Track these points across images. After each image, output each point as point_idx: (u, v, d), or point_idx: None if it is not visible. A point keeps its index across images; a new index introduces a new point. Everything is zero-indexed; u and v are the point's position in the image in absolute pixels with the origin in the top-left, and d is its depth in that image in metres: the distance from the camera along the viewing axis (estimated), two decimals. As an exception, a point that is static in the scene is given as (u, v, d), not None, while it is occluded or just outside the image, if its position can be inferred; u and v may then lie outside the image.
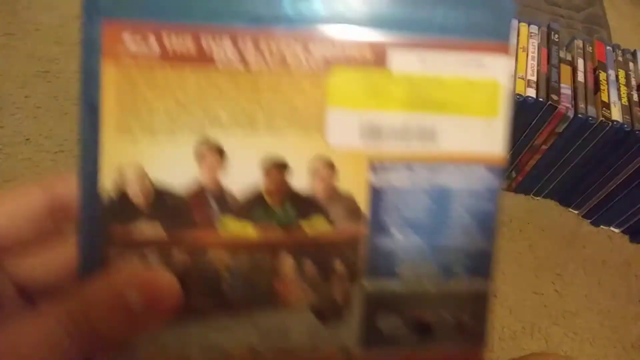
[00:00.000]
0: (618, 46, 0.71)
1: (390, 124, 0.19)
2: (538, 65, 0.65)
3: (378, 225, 0.19)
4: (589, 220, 0.73)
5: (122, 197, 0.18)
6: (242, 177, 0.18)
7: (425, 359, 0.20)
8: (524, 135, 0.65)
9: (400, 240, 0.19)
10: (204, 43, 0.17)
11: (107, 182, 0.18)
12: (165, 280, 0.17)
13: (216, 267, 0.19)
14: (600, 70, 0.67)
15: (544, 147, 0.66)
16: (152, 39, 0.17)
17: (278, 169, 0.18)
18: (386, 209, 0.19)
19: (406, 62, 0.18)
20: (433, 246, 0.20)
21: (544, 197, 0.74)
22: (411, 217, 0.19)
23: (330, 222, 0.19)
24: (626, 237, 0.73)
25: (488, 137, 0.19)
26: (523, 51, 0.66)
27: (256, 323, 0.19)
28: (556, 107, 0.61)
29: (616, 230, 0.73)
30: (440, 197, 0.19)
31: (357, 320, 0.19)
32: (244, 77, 0.18)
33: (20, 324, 0.16)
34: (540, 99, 0.61)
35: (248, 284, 0.19)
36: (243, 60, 0.18)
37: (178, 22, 0.17)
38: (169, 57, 0.17)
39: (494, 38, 0.19)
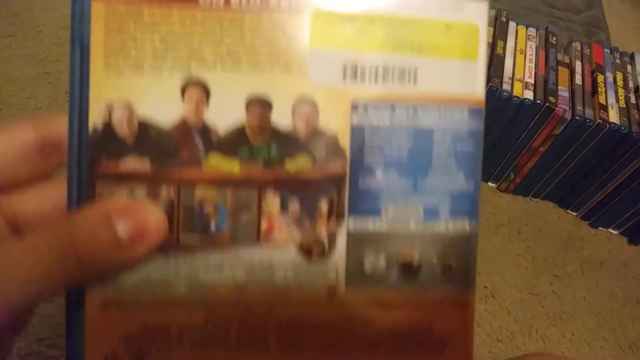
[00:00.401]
0: (616, 49, 0.72)
1: (371, 64, 0.19)
2: (536, 67, 0.66)
3: (360, 165, 0.20)
4: (588, 222, 0.74)
5: (110, 132, 0.18)
6: (226, 113, 0.19)
7: (410, 299, 0.20)
8: (521, 137, 0.66)
9: (384, 180, 0.20)
10: None
11: (96, 118, 0.18)
12: (153, 212, 0.18)
13: (202, 204, 0.19)
14: (597, 73, 0.67)
15: (541, 149, 0.67)
16: None
17: (261, 106, 0.19)
18: (368, 149, 0.20)
19: (386, 4, 0.19)
20: (417, 187, 0.20)
21: (542, 198, 0.75)
22: (393, 157, 0.20)
23: (314, 160, 0.19)
24: (625, 239, 0.73)
25: (468, 79, 0.20)
26: (521, 53, 0.67)
27: (242, 259, 0.19)
28: (554, 109, 0.62)
29: (615, 232, 0.74)
30: (422, 138, 0.20)
31: (342, 259, 0.20)
32: (227, 17, 0.18)
33: (9, 247, 0.16)
34: (538, 101, 0.62)
35: (234, 220, 0.19)
36: (226, 0, 0.18)
37: None
38: None
39: None
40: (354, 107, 0.19)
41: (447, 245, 0.20)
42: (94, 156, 0.18)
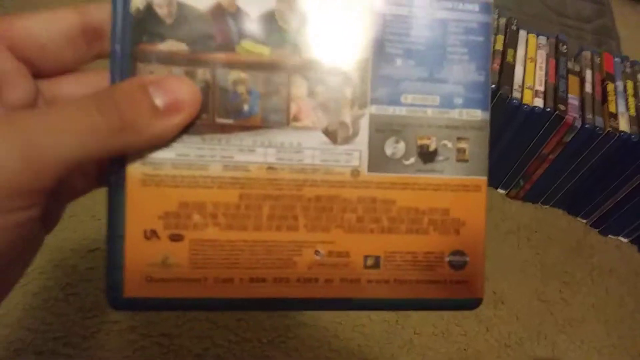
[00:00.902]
0: (626, 58, 0.73)
1: None
2: (546, 75, 0.67)
3: (382, 53, 0.21)
4: (597, 230, 0.74)
5: (151, 12, 0.20)
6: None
7: (428, 182, 0.22)
8: (531, 144, 0.67)
9: (403, 68, 0.22)
10: None
11: (137, 1, 0.20)
12: (187, 85, 0.20)
13: (236, 85, 0.21)
14: (608, 81, 0.68)
15: (551, 156, 0.67)
16: None
17: None
18: (389, 38, 0.21)
19: None
20: (433, 76, 0.22)
21: (551, 205, 0.75)
22: (413, 48, 0.22)
23: (339, 49, 0.21)
24: (635, 247, 0.74)
25: None
26: (531, 62, 0.68)
27: (273, 141, 0.21)
28: (563, 117, 0.63)
29: (624, 240, 0.74)
30: (438, 29, 0.22)
31: (364, 143, 0.22)
32: None
33: (59, 106, 0.18)
34: (548, 109, 0.63)
35: (265, 103, 0.21)
36: None
37: None
38: None
39: None
40: None
41: (460, 131, 0.22)
42: (136, 36, 0.20)
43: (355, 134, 0.21)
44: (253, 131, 0.21)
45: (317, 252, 0.22)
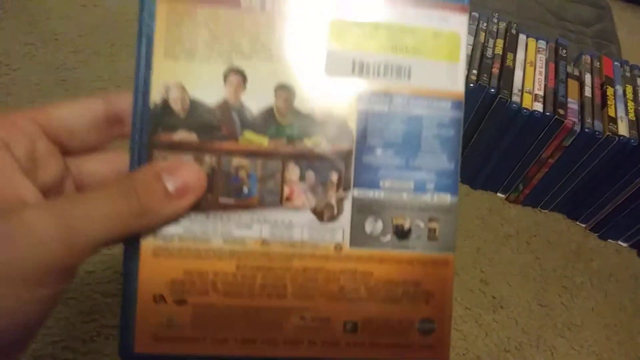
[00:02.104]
0: (626, 62, 0.74)
1: (375, 62, 0.24)
2: (545, 79, 0.67)
3: (364, 144, 0.24)
4: (597, 234, 0.75)
5: (167, 108, 0.23)
6: (259, 97, 0.23)
7: (402, 257, 0.25)
8: (531, 148, 0.67)
9: (382, 157, 0.25)
10: None
11: (156, 96, 0.23)
12: (194, 170, 0.23)
13: (237, 171, 0.24)
14: (607, 86, 0.69)
15: (551, 160, 0.68)
16: None
17: (286, 92, 0.23)
18: (370, 131, 0.24)
19: (387, 14, 0.24)
20: (408, 165, 0.25)
21: (551, 210, 0.76)
22: (391, 139, 0.25)
23: (327, 139, 0.24)
24: (634, 252, 0.75)
25: (451, 77, 0.25)
26: (530, 66, 0.68)
27: (267, 219, 0.24)
28: (563, 122, 0.63)
29: (624, 245, 0.75)
30: (414, 124, 0.25)
31: (347, 222, 0.25)
32: (262, 17, 0.23)
33: (90, 194, 0.21)
34: (547, 113, 0.63)
35: (262, 186, 0.24)
36: (262, 4, 0.23)
37: None
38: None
39: (456, 0, 0.25)
40: (360, 97, 0.24)
41: (432, 213, 0.25)
42: (153, 128, 0.23)
43: (339, 213, 0.24)
44: (251, 210, 0.24)
45: (302, 318, 0.24)
